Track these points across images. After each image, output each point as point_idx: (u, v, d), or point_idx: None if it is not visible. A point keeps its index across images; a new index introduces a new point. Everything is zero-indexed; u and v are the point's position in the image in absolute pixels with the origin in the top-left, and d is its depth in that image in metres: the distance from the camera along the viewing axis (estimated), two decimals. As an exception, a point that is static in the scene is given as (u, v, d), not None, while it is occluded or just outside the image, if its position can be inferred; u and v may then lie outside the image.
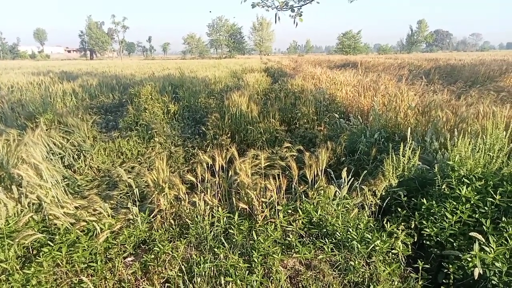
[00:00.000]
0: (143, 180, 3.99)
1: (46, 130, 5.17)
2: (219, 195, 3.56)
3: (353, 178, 3.37)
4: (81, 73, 17.48)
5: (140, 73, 17.70)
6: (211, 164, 3.62)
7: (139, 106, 8.00)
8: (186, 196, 3.35)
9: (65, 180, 4.04)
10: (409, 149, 3.53)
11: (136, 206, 3.16)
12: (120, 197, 3.81)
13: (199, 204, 3.20)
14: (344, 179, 3.30)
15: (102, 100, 10.28)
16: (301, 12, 4.06)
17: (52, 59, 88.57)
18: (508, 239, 2.47)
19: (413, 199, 3.23)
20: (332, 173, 3.75)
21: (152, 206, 3.34)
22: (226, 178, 3.63)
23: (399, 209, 3.16)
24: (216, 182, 3.54)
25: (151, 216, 3.22)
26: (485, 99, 6.25)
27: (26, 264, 2.63)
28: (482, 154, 3.29)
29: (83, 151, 5.10)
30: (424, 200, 3.01)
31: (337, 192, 3.27)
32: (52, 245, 2.67)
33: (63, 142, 4.87)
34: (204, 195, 3.29)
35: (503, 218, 2.64)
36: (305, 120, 7.07)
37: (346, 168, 3.39)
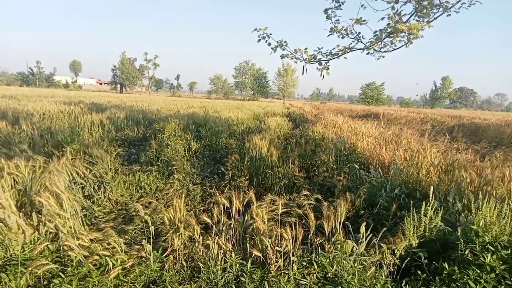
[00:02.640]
0: (159, 217, 3.99)
1: (72, 159, 5.31)
2: (233, 239, 3.51)
3: (371, 234, 3.28)
4: (110, 106, 18.13)
5: (165, 109, 18.21)
6: (227, 206, 3.61)
7: (162, 141, 8.17)
8: (201, 237, 3.31)
9: (84, 210, 4.09)
10: (431, 208, 3.43)
11: (150, 244, 3.14)
12: (135, 232, 3.81)
13: (212, 248, 3.15)
14: (363, 235, 3.21)
15: (127, 133, 10.56)
16: (328, 65, 4.18)
17: (84, 90, 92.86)
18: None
19: (434, 262, 3.10)
20: (350, 226, 3.67)
21: (165, 244, 3.32)
22: (242, 222, 3.59)
23: (419, 272, 3.02)
24: (232, 225, 3.50)
25: (164, 256, 3.19)
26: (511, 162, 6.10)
27: (35, 294, 2.62)
28: (509, 221, 3.16)
29: (104, 183, 5.19)
30: (446, 265, 2.88)
31: (354, 247, 3.17)
32: (64, 277, 2.66)
33: (86, 172, 4.98)
34: (218, 238, 3.26)
35: (532, 293, 2.49)
36: (325, 168, 7.03)
37: (365, 223, 3.31)
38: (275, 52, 4.19)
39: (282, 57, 4.27)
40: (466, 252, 2.93)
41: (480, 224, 3.09)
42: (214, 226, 3.45)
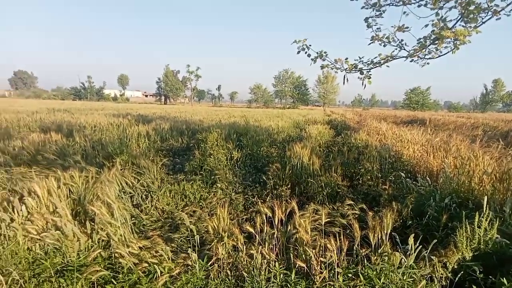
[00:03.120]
0: (204, 225, 4.07)
1: (121, 169, 5.57)
2: (277, 249, 3.50)
3: (420, 246, 3.15)
4: (155, 117, 18.82)
5: (208, 120, 18.62)
6: (269, 216, 3.61)
7: (205, 151, 8.35)
8: (244, 247, 3.34)
9: (133, 219, 4.27)
10: (486, 219, 3.24)
11: (195, 252, 3.21)
12: (181, 241, 3.91)
13: (256, 257, 3.17)
14: (411, 246, 3.09)
15: (171, 143, 10.90)
16: (370, 74, 4.10)
17: (131, 102, 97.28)
18: None
19: (490, 276, 2.91)
20: (397, 237, 3.54)
21: (210, 253, 3.38)
22: (285, 232, 3.58)
23: (474, 287, 2.86)
24: (275, 235, 3.50)
25: (209, 264, 3.25)
26: None
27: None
28: None
29: (151, 192, 5.39)
30: (505, 280, 2.70)
31: (403, 260, 3.06)
32: (115, 283, 2.78)
33: (134, 182, 5.21)
34: (262, 247, 3.27)
35: None
36: (369, 177, 6.85)
37: (413, 234, 3.18)
38: (315, 63, 4.18)
39: (322, 67, 4.25)
40: (527, 267, 2.73)
41: (542, 237, 2.88)
42: (257, 235, 3.46)
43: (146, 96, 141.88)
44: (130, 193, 5.09)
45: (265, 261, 3.22)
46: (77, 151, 7.42)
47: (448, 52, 3.70)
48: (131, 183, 5.14)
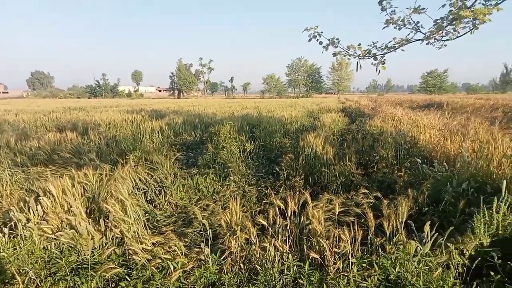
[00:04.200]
0: (217, 219, 4.08)
1: (134, 166, 5.63)
2: (290, 241, 3.48)
3: (437, 233, 3.08)
4: (168, 112, 18.93)
5: (220, 112, 18.63)
6: (282, 207, 3.59)
7: (217, 144, 8.37)
8: (257, 239, 3.33)
9: (146, 214, 4.32)
10: (505, 204, 3.15)
11: (208, 246, 3.22)
12: (194, 235, 3.94)
13: (269, 250, 3.16)
14: (427, 234, 3.03)
15: (185, 137, 10.94)
16: (384, 60, 3.99)
17: (145, 98, 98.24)
18: None
19: (509, 262, 2.83)
20: (413, 225, 3.47)
21: (223, 247, 3.38)
22: (298, 224, 3.56)
23: (492, 273, 2.78)
24: (288, 227, 3.48)
25: (222, 258, 3.25)
26: None
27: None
28: None
29: (164, 187, 5.43)
30: (524, 266, 2.62)
31: (418, 248, 3.00)
32: (129, 280, 2.81)
33: (148, 178, 5.25)
34: (275, 240, 3.25)
35: None
36: (384, 164, 6.74)
37: (429, 222, 3.11)
38: (326, 50, 4.09)
39: (334, 54, 4.16)
40: (548, 252, 2.64)
41: None
42: (270, 228, 3.45)
43: (160, 91, 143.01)
44: (143, 189, 5.14)
45: (278, 253, 3.20)
46: (92, 149, 7.52)
47: (467, 32, 3.56)
48: (145, 179, 5.18)
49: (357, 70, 4.19)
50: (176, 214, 4.71)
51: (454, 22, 3.45)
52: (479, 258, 2.93)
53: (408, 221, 3.45)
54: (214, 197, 5.39)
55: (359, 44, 4.04)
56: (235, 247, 3.27)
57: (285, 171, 6.31)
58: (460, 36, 3.66)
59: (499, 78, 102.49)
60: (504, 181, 3.48)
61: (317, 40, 4.10)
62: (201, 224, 3.69)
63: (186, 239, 3.76)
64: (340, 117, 14.81)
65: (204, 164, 7.08)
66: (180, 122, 12.46)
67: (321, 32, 4.08)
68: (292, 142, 9.38)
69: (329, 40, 4.10)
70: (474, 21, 3.33)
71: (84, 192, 4.19)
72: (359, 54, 4.06)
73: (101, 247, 3.27)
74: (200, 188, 5.61)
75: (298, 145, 7.65)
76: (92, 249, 3.16)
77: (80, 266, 3.05)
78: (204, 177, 5.90)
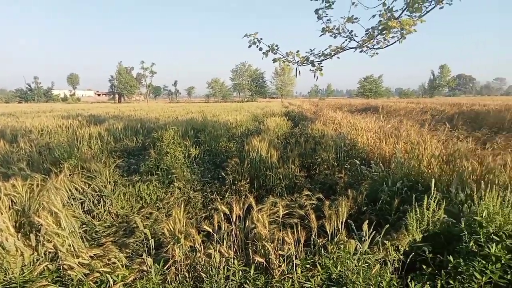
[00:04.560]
0: (160, 227, 3.96)
1: (70, 175, 5.28)
2: (235, 246, 3.47)
3: (374, 231, 3.24)
4: (108, 117, 18.08)
5: (164, 117, 18.16)
6: (228, 213, 3.57)
7: (161, 150, 8.13)
8: (202, 246, 3.27)
9: (84, 226, 4.07)
10: (434, 201, 3.39)
11: (151, 256, 3.11)
12: (136, 245, 3.78)
13: (214, 256, 3.12)
14: (366, 232, 3.17)
15: (126, 143, 10.51)
16: (322, 66, 4.14)
17: (82, 102, 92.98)
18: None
19: (439, 255, 3.05)
20: (353, 224, 3.62)
21: (167, 255, 3.28)
22: (243, 228, 3.56)
23: (424, 266, 2.98)
24: (233, 232, 3.47)
25: (166, 268, 3.15)
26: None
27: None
28: (512, 209, 3.11)
29: (103, 196, 5.15)
30: (451, 258, 2.84)
31: (358, 246, 3.13)
32: (64, 296, 2.63)
33: (85, 187, 4.95)
34: (220, 246, 3.22)
35: (539, 281, 2.44)
36: (325, 166, 6.99)
37: (367, 221, 3.27)
38: (266, 57, 4.15)
39: (274, 61, 4.24)
40: (471, 244, 2.88)
41: (484, 214, 3.05)
42: (215, 234, 3.41)
43: (99, 95, 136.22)
44: (80, 199, 4.83)
45: (224, 259, 3.17)
46: (22, 158, 6.97)
47: (396, 41, 3.81)
48: (81, 188, 4.88)
49: (296, 76, 4.31)
50: (116, 224, 4.49)
51: (384, 32, 3.68)
52: (413, 253, 3.13)
53: (349, 220, 3.59)
54: (157, 204, 5.23)
55: (298, 51, 4.15)
56: (179, 256, 3.19)
57: (230, 175, 6.29)
58: (390, 45, 3.91)
59: (427, 84, 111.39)
60: (433, 180, 3.75)
61: (257, 46, 4.15)
62: (143, 234, 3.56)
63: (127, 250, 3.60)
64: (283, 121, 15.12)
65: (146, 171, 6.85)
66: (120, 128, 11.94)
67: (261, 39, 4.13)
68: (238, 146, 9.41)
69: (268, 46, 4.16)
70: (401, 31, 3.57)
71: (12, 205, 3.85)
72: (298, 61, 4.17)
73: (32, 263, 3.01)
74: (142, 196, 5.41)
75: (244, 149, 7.68)
76: (22, 266, 2.90)
77: (7, 286, 2.78)
78: (146, 184, 5.70)
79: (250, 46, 4.15)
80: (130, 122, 13.56)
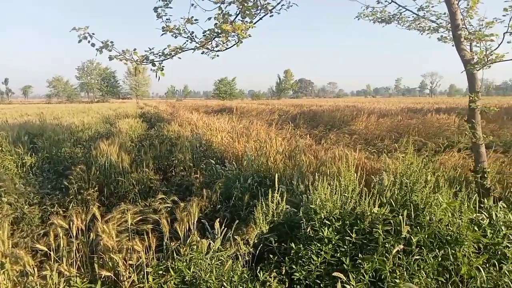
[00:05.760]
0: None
1: None
2: (78, 262, 3.12)
3: (226, 228, 3.34)
4: None
5: (-13, 121, 15.28)
6: (67, 227, 3.18)
7: (-18, 160, 6.82)
8: (35, 269, 2.83)
9: None
10: (278, 194, 3.68)
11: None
12: None
13: (51, 277, 2.73)
14: (217, 230, 3.24)
15: None
16: (163, 66, 4.03)
17: None
18: (365, 274, 2.70)
19: (283, 244, 3.33)
20: (206, 223, 3.66)
21: (-12, 286, 2.73)
22: (87, 242, 3.23)
23: (271, 256, 3.21)
24: (74, 248, 3.11)
25: (-14, 301, 2.62)
26: (341, 142, 7.08)
27: None
28: (339, 195, 3.61)
29: None
30: (293, 244, 3.12)
31: (211, 245, 3.17)
32: None
33: None
34: (59, 265, 2.85)
35: (360, 255, 2.89)
36: (182, 168, 6.93)
37: (219, 219, 3.35)
38: (101, 53, 3.82)
39: (110, 58, 3.91)
40: (308, 230, 3.23)
41: (317, 202, 3.45)
42: (52, 252, 3.00)
43: None
44: None
45: (63, 279, 2.81)
46: None
47: (234, 45, 3.98)
48: None
49: (135, 75, 4.15)
50: None
51: (221, 35, 3.82)
52: (261, 245, 3.34)
53: (202, 220, 3.63)
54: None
55: (135, 49, 3.93)
56: (5, 284, 2.69)
57: (75, 184, 5.66)
58: (229, 48, 4.08)
59: (275, 87, 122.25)
60: (277, 174, 4.09)
61: (89, 41, 3.78)
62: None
63: None
64: (138, 122, 14.51)
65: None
66: None
67: (93, 34, 3.77)
68: (85, 151, 8.57)
69: (102, 42, 3.84)
70: (238, 35, 3.77)
71: None
72: (137, 60, 3.97)
73: None
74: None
75: (91, 154, 7.04)
76: None
77: None
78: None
79: (80, 41, 3.74)
80: None
